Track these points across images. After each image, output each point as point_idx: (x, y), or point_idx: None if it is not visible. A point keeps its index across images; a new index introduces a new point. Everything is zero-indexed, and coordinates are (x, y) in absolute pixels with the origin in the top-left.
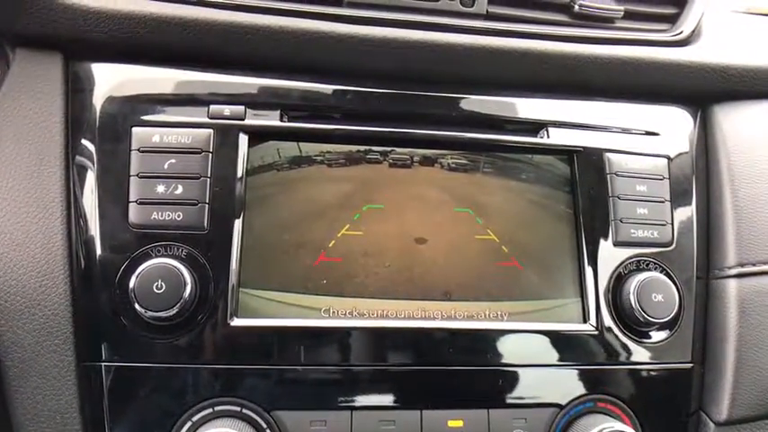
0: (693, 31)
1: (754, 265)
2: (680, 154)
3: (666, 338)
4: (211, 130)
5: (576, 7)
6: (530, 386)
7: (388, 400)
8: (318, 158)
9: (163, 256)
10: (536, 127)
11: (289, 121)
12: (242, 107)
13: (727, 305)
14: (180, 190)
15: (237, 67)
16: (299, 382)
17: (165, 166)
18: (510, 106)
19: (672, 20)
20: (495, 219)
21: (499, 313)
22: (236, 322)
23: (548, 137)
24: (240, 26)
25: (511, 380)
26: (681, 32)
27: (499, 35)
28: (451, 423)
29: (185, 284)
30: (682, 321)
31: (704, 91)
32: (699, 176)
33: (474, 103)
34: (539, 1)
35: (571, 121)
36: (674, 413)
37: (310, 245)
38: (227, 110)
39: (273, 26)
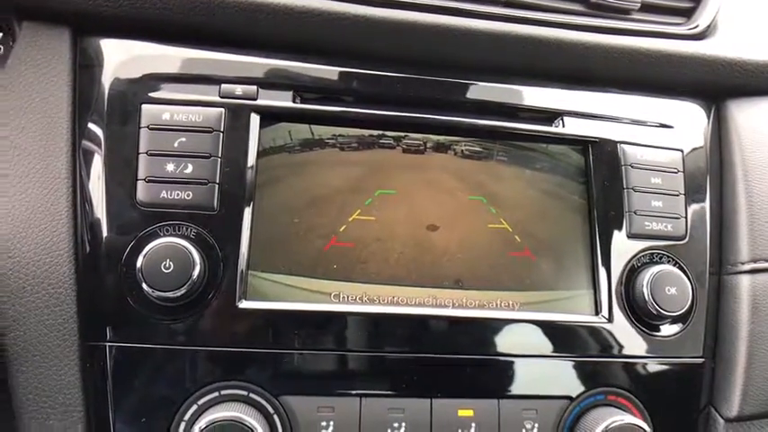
0: (710, 26)
1: (767, 261)
2: (694, 148)
3: (678, 332)
4: (223, 110)
5: None
6: (540, 377)
7: (397, 387)
8: (331, 142)
9: (171, 235)
10: (552, 116)
11: (301, 103)
12: (254, 87)
13: (740, 301)
14: (190, 169)
15: (250, 46)
16: (307, 367)
17: (176, 145)
18: (526, 94)
19: (688, 13)
20: (508, 208)
21: (511, 303)
22: (245, 305)
23: (563, 126)
24: (252, 5)
25: (521, 370)
26: (697, 26)
27: (516, 22)
28: (462, 412)
29: (194, 265)
30: (694, 316)
31: (719, 85)
32: (713, 171)
33: (490, 90)
34: None
35: (586, 111)
36: (684, 408)
37: (321, 229)
38: (239, 89)
39: (286, 6)
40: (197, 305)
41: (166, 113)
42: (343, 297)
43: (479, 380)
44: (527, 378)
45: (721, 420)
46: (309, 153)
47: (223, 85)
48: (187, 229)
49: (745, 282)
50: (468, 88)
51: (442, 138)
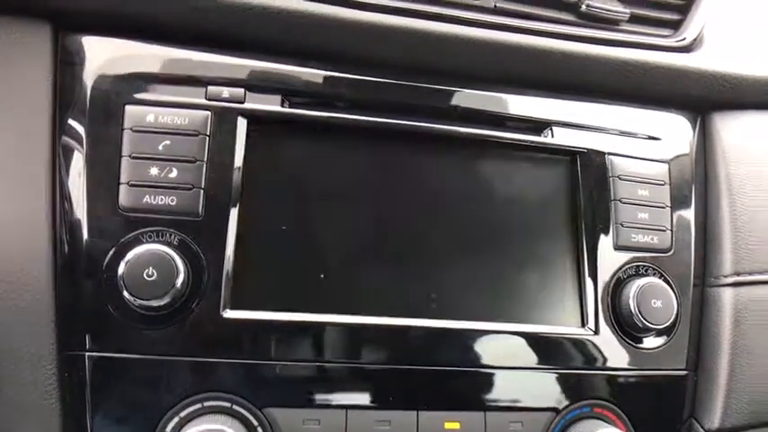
0: (696, 38)
1: (750, 274)
2: (680, 160)
3: (663, 345)
4: (209, 113)
5: (583, 7)
6: (527, 389)
7: (383, 399)
8: (319, 147)
9: (154, 242)
10: (540, 126)
11: (290, 107)
12: (242, 90)
13: (722, 313)
14: (174, 173)
15: (238, 47)
16: (292, 378)
17: (160, 148)
18: (516, 104)
19: (676, 26)
20: (494, 218)
21: (496, 314)
22: (230, 314)
23: (552, 136)
24: (235, 5)
25: (508, 382)
26: (684, 39)
27: (505, 30)
28: (448, 425)
29: (178, 273)
30: (678, 328)
31: (704, 98)
32: (698, 183)
33: (479, 98)
34: None
35: (575, 121)
36: (667, 420)
37: (308, 237)
38: (225, 92)
39: (274, 7)
40: (180, 314)
41: (151, 115)
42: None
43: (466, 392)
44: (513, 390)
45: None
46: (297, 158)
47: (210, 88)
48: (171, 235)
49: (727, 294)
50: (459, 96)
51: (430, 146)
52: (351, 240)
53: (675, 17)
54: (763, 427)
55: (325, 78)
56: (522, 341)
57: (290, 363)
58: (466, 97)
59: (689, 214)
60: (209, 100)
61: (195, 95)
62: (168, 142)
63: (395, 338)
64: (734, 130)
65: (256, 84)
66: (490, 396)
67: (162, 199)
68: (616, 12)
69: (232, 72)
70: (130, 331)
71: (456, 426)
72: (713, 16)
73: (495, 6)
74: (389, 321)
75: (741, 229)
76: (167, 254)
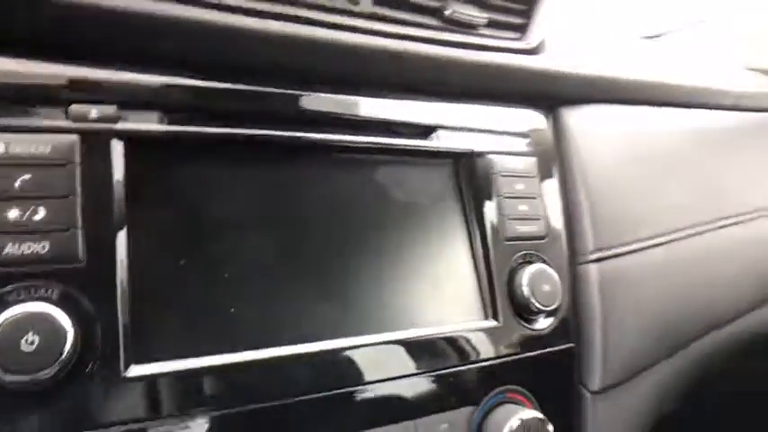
0: (541, 42)
1: (609, 249)
2: (544, 153)
3: (552, 324)
4: (76, 137)
5: (447, 12)
6: (447, 389)
7: (315, 428)
8: (208, 168)
9: (28, 299)
10: (427, 130)
11: (170, 124)
12: (113, 107)
13: (592, 287)
14: (41, 214)
15: (104, 58)
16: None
17: (18, 184)
18: (400, 109)
19: (522, 30)
20: (389, 227)
21: (401, 323)
22: (133, 371)
23: (438, 140)
24: (85, 6)
25: (431, 386)
26: (530, 42)
27: (378, 35)
28: None
29: (65, 334)
30: (562, 307)
31: (553, 95)
32: (560, 173)
33: (361, 104)
34: (418, 4)
35: (458, 124)
36: (561, 390)
37: (208, 268)
38: (94, 111)
39: (131, 10)
40: (73, 382)
41: (1, 145)
42: (242, 343)
43: (392, 405)
44: (436, 393)
45: (588, 394)
46: (186, 183)
47: (73, 107)
48: (48, 289)
49: (593, 270)
50: (334, 103)
51: (316, 160)
52: (255, 266)
53: (521, 21)
54: (635, 377)
55: (208, 90)
56: (437, 343)
57: (206, 413)
58: (347, 105)
59: (556, 202)
60: (75, 121)
61: (56, 117)
62: (28, 177)
63: (321, 364)
64: (582, 122)
65: (130, 99)
66: (417, 404)
67: (30, 246)
68: (476, 17)
69: (99, 87)
70: (4, 411)
71: None
72: (557, 22)
73: (372, 12)
74: (312, 348)
75: (597, 209)
76: (48, 313)
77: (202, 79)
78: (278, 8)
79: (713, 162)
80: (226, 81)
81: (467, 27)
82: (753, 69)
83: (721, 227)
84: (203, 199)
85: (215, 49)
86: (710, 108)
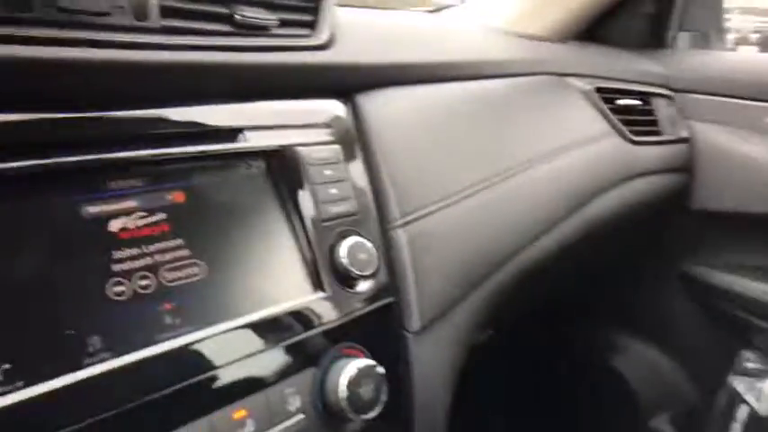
0: (331, 36)
1: (413, 213)
2: (347, 139)
3: (372, 286)
4: None
5: (238, 17)
6: (289, 358)
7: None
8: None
9: None
10: (234, 133)
11: None
12: None
13: (402, 248)
14: None
15: None
16: None
17: None
18: (209, 116)
19: (312, 26)
20: (213, 231)
21: (239, 312)
22: None
23: (247, 141)
24: None
25: (273, 358)
26: (319, 38)
27: (171, 49)
28: (236, 414)
29: None
30: (380, 270)
31: (348, 85)
32: (364, 155)
33: (168, 117)
34: (207, 12)
35: (265, 123)
36: (388, 338)
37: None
38: None
39: None
40: None
41: None
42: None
43: (243, 382)
44: (280, 363)
45: (410, 335)
46: None
47: None
48: None
49: (401, 234)
50: (137, 120)
51: (122, 180)
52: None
53: (311, 18)
54: (447, 314)
55: (12, 123)
56: (274, 321)
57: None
58: (148, 120)
59: (363, 181)
60: None
61: None
62: None
63: (161, 365)
64: (378, 105)
65: None
66: (265, 376)
67: None
68: (266, 19)
69: None
70: None
71: (243, 413)
72: (347, 16)
73: (162, 26)
74: (150, 352)
75: (398, 181)
76: None
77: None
78: (65, 33)
79: (495, 124)
80: (24, 112)
81: (259, 29)
82: (519, 36)
83: (507, 177)
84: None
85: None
86: (487, 77)
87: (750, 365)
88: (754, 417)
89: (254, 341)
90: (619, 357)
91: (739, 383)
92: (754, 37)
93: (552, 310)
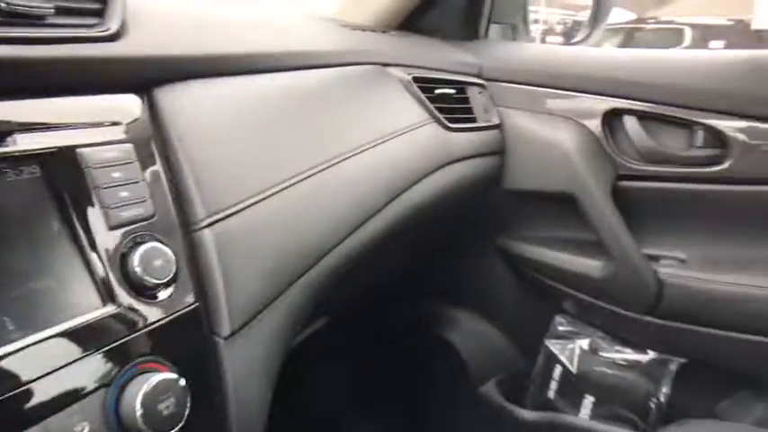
0: (121, 27)
1: (221, 212)
2: (141, 137)
3: (173, 292)
4: None
5: (3, 5)
6: (75, 381)
7: None
8: None
9: None
10: (1, 135)
11: None
12: None
13: (208, 249)
14: None
15: None
16: None
17: None
18: None
19: (100, 15)
20: None
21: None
22: None
23: (16, 144)
24: None
25: (57, 384)
26: (108, 28)
27: None
28: None
29: None
30: (180, 275)
31: (143, 79)
32: (161, 153)
33: None
34: None
35: (41, 122)
36: (194, 346)
37: None
38: None
39: None
40: None
41: None
42: None
43: (15, 417)
44: (64, 389)
45: (221, 340)
46: None
47: None
48: None
49: (207, 234)
50: None
51: None
52: None
53: (97, 6)
54: (260, 315)
55: None
56: (55, 342)
57: None
58: None
59: (161, 181)
60: None
61: None
62: None
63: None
64: (180, 100)
65: None
66: (45, 405)
67: None
68: (39, 7)
69: None
70: None
71: None
72: (146, 3)
73: None
74: None
75: (203, 179)
76: None
77: None
78: None
79: (315, 115)
80: None
81: (33, 19)
82: (342, 25)
83: (326, 167)
84: None
85: None
86: (308, 68)
87: (562, 329)
88: (567, 375)
89: (29, 368)
90: (450, 330)
91: (554, 346)
92: (559, 28)
93: (385, 291)
